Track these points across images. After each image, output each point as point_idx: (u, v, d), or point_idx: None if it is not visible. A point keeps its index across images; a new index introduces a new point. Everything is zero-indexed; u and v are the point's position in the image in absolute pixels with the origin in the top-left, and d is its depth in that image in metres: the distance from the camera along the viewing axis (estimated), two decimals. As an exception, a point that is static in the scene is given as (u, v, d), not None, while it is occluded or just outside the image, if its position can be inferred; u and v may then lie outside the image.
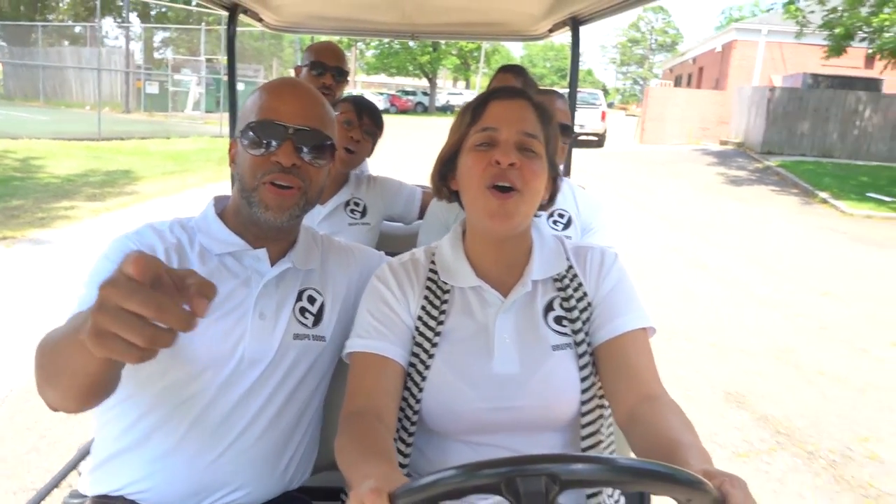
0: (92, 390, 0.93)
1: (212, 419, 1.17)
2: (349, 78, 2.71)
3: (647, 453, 1.00)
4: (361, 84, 48.86)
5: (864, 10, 12.93)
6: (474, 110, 1.19)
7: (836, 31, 13.50)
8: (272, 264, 1.26)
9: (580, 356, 1.17)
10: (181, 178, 11.00)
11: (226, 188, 2.05)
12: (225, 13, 2.39)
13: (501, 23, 2.78)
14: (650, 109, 21.86)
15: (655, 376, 1.15)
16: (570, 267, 1.24)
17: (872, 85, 17.89)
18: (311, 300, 1.30)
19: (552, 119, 1.20)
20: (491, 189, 1.11)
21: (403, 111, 35.50)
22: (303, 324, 1.27)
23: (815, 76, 18.52)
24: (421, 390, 1.16)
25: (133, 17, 30.22)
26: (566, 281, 1.22)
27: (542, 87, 2.53)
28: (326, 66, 2.59)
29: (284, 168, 1.17)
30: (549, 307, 1.21)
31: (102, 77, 23.22)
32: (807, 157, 17.21)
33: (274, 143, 1.17)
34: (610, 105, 39.51)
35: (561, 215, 2.08)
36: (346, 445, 1.02)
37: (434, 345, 1.17)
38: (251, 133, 1.18)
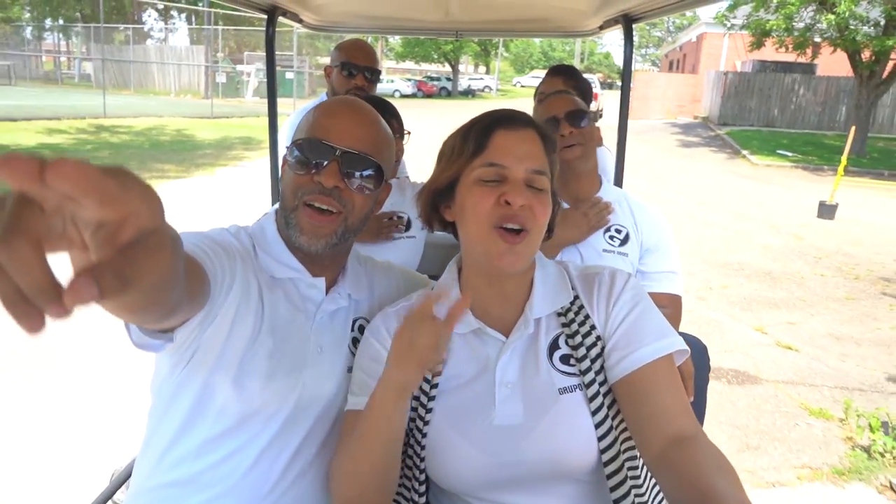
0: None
1: (269, 462, 1.12)
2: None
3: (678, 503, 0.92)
4: (388, 70, 51.94)
5: (764, 15, 17.18)
6: (478, 139, 1.08)
7: (755, 29, 17.58)
8: (326, 293, 1.20)
9: (591, 399, 1.06)
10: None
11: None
12: (264, 16, 2.30)
13: (549, 19, 2.57)
14: (636, 91, 26.40)
15: (685, 411, 1.01)
16: (576, 298, 1.14)
17: (808, 69, 22.46)
18: (362, 330, 1.23)
19: (556, 146, 1.14)
20: (499, 230, 1.03)
21: (429, 95, 39.02)
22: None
23: (762, 62, 23.04)
24: (423, 448, 1.08)
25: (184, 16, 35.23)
26: (570, 315, 1.11)
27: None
28: (358, 66, 2.45)
29: (325, 189, 1.09)
30: (554, 345, 1.11)
31: (182, 69, 28.57)
32: (753, 127, 21.78)
33: (319, 163, 1.10)
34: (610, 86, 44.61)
35: (618, 231, 1.86)
36: None
37: (431, 398, 1.10)
38: (297, 151, 1.12)
